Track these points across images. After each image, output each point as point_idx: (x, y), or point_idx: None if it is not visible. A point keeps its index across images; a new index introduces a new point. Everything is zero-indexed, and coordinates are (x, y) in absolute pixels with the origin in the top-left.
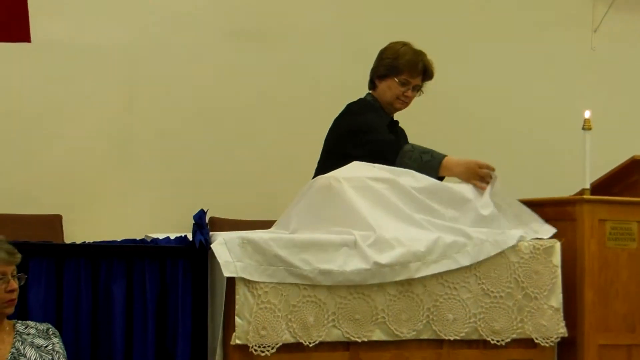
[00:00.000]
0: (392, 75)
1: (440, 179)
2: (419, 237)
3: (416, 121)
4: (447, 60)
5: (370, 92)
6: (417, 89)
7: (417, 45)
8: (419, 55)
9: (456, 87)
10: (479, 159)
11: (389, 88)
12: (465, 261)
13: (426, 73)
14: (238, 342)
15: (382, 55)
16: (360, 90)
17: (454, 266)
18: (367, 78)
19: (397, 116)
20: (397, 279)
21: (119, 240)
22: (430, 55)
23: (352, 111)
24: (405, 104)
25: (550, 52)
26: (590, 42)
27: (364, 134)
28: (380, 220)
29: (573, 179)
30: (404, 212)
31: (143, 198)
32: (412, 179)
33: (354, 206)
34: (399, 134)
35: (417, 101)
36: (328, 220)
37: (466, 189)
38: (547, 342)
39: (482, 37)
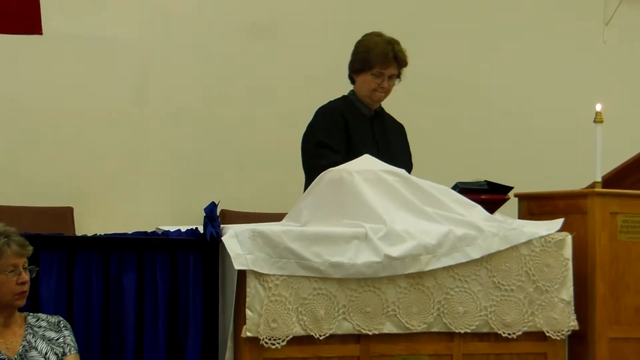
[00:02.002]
0: (365, 69)
1: None
2: (430, 230)
3: (425, 114)
4: (458, 54)
5: (353, 87)
6: (394, 77)
7: (428, 40)
8: (389, 45)
9: (468, 80)
10: (491, 153)
11: (364, 82)
12: (475, 254)
13: (398, 61)
14: (249, 334)
15: (356, 49)
16: None
17: (464, 259)
18: None
19: (407, 110)
20: (408, 271)
21: (130, 232)
22: (440, 49)
23: (312, 120)
24: (383, 94)
25: (562, 45)
26: (603, 35)
27: (304, 144)
28: (391, 212)
29: (584, 172)
30: (416, 205)
31: (154, 191)
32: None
33: (365, 198)
34: (386, 124)
35: (427, 93)
36: (339, 212)
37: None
38: (558, 336)
39: (493, 31)
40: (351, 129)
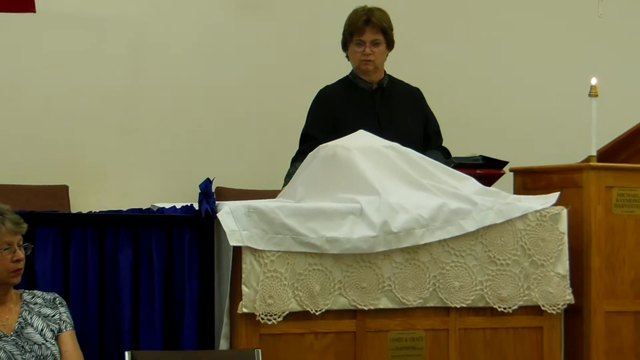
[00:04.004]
0: (348, 42)
1: None
2: (424, 205)
3: (423, 91)
4: (451, 31)
5: None
6: (377, 43)
7: (422, 17)
8: (363, 11)
9: (462, 56)
10: (486, 127)
11: (352, 54)
12: (470, 227)
13: (373, 25)
14: (245, 310)
15: (344, 26)
16: None
17: (458, 232)
18: None
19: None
20: (403, 245)
21: (125, 210)
22: (436, 24)
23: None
24: (370, 62)
25: (557, 19)
26: (598, 9)
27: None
28: (386, 183)
29: (580, 146)
30: (412, 177)
31: (149, 168)
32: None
33: (359, 171)
34: (392, 96)
35: (421, 70)
36: (333, 186)
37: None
38: (553, 309)
39: (487, 6)
40: (349, 110)
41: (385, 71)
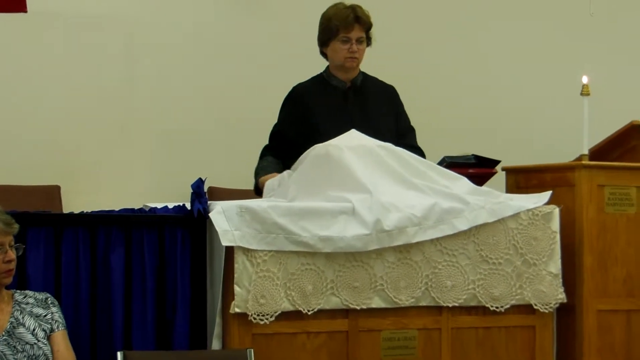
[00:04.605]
0: (332, 38)
1: None
2: (415, 204)
3: (412, 89)
4: (443, 28)
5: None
6: (361, 41)
7: (412, 15)
8: (349, 8)
9: (454, 54)
10: (478, 126)
11: (334, 51)
12: (462, 226)
13: (361, 22)
14: (237, 310)
15: (319, 23)
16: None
17: (451, 231)
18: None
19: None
20: (395, 244)
21: (117, 210)
22: (429, 23)
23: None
24: (355, 59)
25: (549, 18)
26: (589, 8)
27: None
28: (378, 182)
29: (572, 145)
30: (404, 176)
31: (141, 168)
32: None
33: (351, 169)
34: (366, 94)
35: (413, 69)
36: (325, 184)
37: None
38: (546, 308)
39: (478, 4)
40: (320, 108)
41: (359, 69)
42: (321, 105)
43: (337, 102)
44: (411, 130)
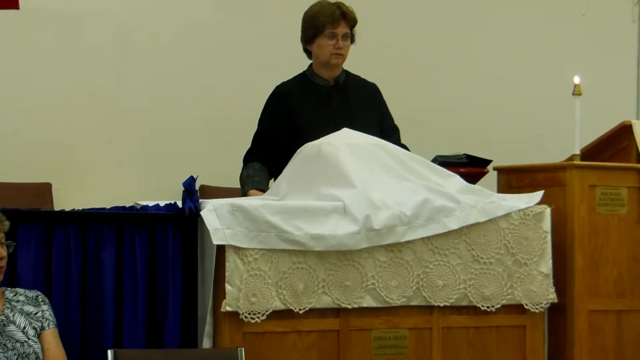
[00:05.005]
0: (317, 34)
1: None
2: (406, 201)
3: (403, 88)
4: (435, 27)
5: (311, 62)
6: (347, 37)
7: (404, 12)
8: (334, 5)
9: (446, 53)
10: (471, 125)
11: (320, 48)
12: (453, 225)
13: (346, 18)
14: (228, 309)
15: (303, 20)
16: (349, 59)
17: (441, 230)
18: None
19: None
20: (384, 242)
21: (108, 207)
22: (421, 24)
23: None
24: (341, 56)
25: (541, 18)
26: (581, 8)
27: None
28: (369, 179)
29: (563, 144)
30: (397, 173)
31: (132, 166)
32: (395, 148)
33: (342, 166)
34: (349, 93)
35: (404, 67)
36: (316, 181)
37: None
38: (536, 308)
39: (471, 4)
40: (303, 107)
41: (342, 67)
42: (305, 104)
43: (321, 101)
44: (395, 130)
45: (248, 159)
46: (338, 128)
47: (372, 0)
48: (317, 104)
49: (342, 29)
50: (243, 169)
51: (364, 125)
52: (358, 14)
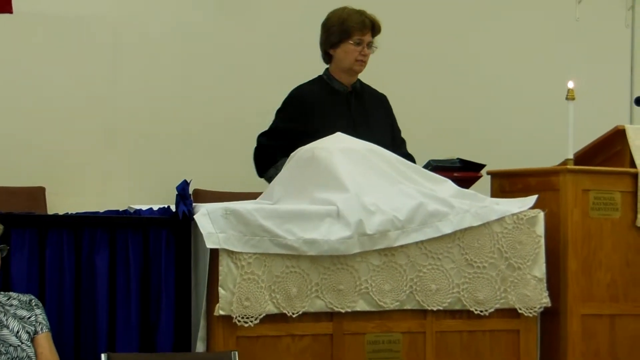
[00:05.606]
0: (344, 39)
1: None
2: (400, 206)
3: (397, 92)
4: (429, 31)
5: (328, 66)
6: (370, 45)
7: (399, 16)
8: (363, 13)
9: (439, 57)
10: (464, 130)
11: (345, 53)
12: (446, 229)
13: (374, 28)
14: (222, 313)
15: (327, 24)
16: None
17: (435, 234)
18: None
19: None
20: (377, 247)
21: (102, 211)
22: (415, 27)
23: (282, 102)
24: (364, 63)
25: (535, 23)
26: (575, 13)
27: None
28: (362, 183)
29: (556, 149)
30: (390, 178)
31: (126, 169)
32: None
33: (336, 170)
34: (365, 99)
35: (398, 71)
36: (310, 186)
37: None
38: (530, 312)
39: (465, 8)
40: (324, 110)
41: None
42: (325, 108)
43: (340, 106)
44: (403, 142)
45: (274, 156)
46: (357, 134)
47: (365, 2)
48: (336, 108)
49: (369, 37)
50: (272, 167)
51: (380, 132)
52: None
